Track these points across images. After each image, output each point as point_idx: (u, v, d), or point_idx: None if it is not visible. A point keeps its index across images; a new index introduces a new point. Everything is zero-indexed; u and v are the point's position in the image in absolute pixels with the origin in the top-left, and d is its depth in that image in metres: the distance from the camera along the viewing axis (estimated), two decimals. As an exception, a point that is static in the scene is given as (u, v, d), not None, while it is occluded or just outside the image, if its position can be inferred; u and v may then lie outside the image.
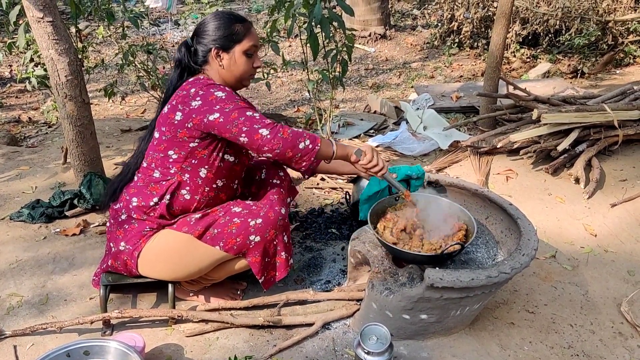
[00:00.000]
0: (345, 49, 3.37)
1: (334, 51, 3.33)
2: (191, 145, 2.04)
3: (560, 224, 2.98)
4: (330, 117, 3.67)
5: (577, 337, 2.21)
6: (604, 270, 2.62)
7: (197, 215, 2.12)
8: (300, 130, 1.98)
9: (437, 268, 1.94)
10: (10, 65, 6.76)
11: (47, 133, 4.46)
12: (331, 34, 3.26)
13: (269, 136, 1.89)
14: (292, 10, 3.14)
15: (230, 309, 2.28)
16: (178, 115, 2.01)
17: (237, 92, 2.21)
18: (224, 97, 1.96)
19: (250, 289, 2.44)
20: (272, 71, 3.69)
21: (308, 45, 3.18)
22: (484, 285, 1.89)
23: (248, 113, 1.93)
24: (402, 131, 3.84)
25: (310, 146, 1.95)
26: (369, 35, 7.72)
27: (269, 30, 3.30)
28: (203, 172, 2.11)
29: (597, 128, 3.51)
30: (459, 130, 3.95)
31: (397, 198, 2.34)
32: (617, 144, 3.48)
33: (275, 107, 5.70)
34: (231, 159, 2.16)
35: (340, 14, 3.30)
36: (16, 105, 5.70)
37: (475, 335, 2.18)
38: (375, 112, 4.57)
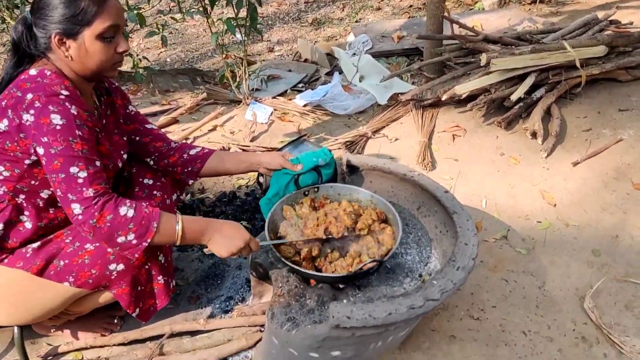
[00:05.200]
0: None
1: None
2: (26, 162, 1.50)
3: (514, 192, 2.53)
4: (245, 74, 3.08)
5: (532, 348, 1.83)
6: (564, 252, 2.20)
7: (36, 245, 1.59)
8: (130, 215, 1.44)
9: (345, 301, 1.49)
10: None
11: None
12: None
13: (80, 217, 1.41)
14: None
15: (101, 346, 1.81)
16: (5, 123, 1.45)
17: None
18: (58, 129, 1.39)
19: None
20: (171, 21, 3.04)
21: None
22: (406, 319, 1.44)
23: (72, 170, 1.41)
24: (334, 85, 3.26)
25: (135, 242, 1.46)
26: (310, -37, 6.94)
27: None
28: (45, 193, 1.58)
29: (556, 70, 3.01)
30: (401, 79, 3.40)
31: (306, 192, 1.86)
32: (579, 86, 3.00)
33: (200, 53, 5.05)
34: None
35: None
36: None
37: (407, 358, 1.76)
38: (305, 60, 3.95)
